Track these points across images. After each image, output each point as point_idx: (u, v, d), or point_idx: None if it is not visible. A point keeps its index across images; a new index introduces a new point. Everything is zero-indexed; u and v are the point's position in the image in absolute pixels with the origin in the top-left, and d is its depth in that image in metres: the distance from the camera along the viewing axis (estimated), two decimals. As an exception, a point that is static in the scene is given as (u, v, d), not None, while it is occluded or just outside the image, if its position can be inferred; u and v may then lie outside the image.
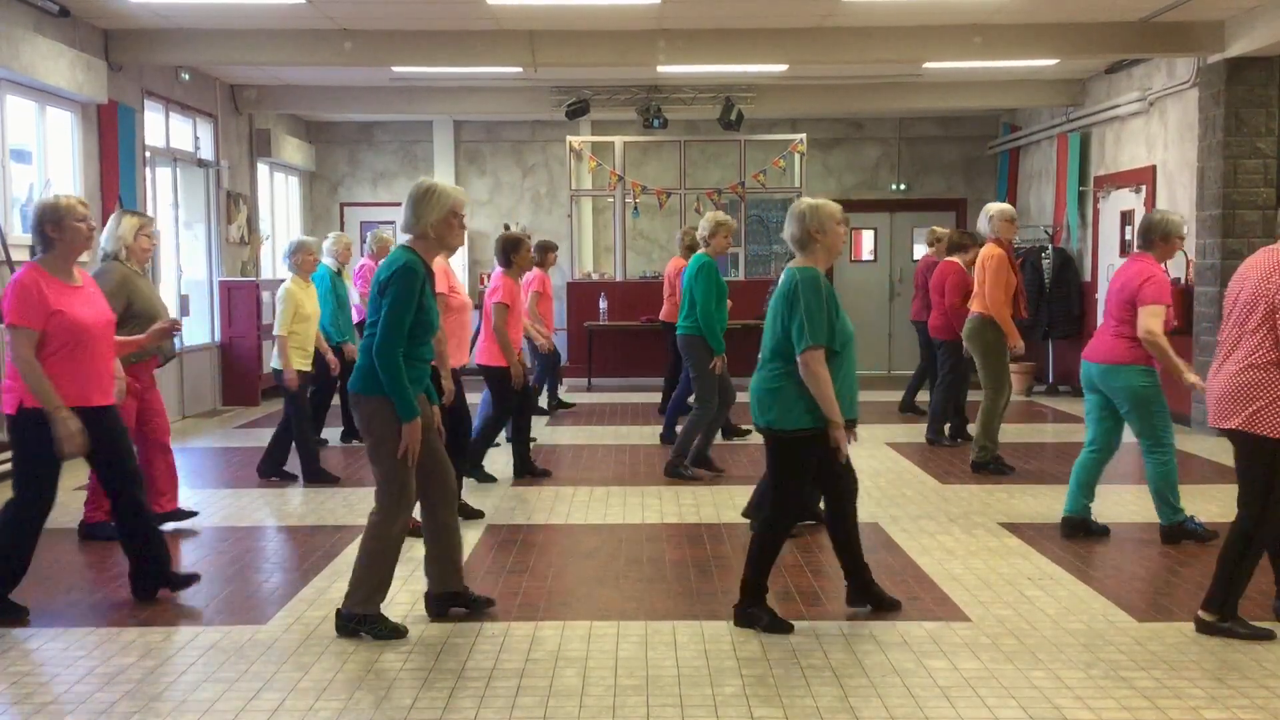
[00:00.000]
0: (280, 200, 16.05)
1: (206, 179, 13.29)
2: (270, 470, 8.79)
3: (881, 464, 9.44)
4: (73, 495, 8.00)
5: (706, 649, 4.98)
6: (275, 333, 8.53)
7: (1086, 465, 6.91)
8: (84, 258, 5.77)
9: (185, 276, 12.95)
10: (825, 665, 4.78)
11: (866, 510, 7.72)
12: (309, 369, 8.72)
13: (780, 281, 5.28)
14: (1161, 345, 6.39)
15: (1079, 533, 6.89)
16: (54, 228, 5.40)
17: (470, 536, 7.02)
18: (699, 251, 8.74)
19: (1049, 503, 7.77)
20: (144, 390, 6.94)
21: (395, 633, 5.14)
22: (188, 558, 6.63)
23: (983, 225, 9.04)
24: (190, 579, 5.85)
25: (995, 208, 9.00)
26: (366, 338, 5.04)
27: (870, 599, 5.48)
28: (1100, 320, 7.11)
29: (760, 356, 5.34)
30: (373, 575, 5.15)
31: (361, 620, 5.14)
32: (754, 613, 5.24)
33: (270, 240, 15.37)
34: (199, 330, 13.11)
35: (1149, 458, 6.68)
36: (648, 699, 4.44)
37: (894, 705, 4.36)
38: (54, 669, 4.80)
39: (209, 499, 8.24)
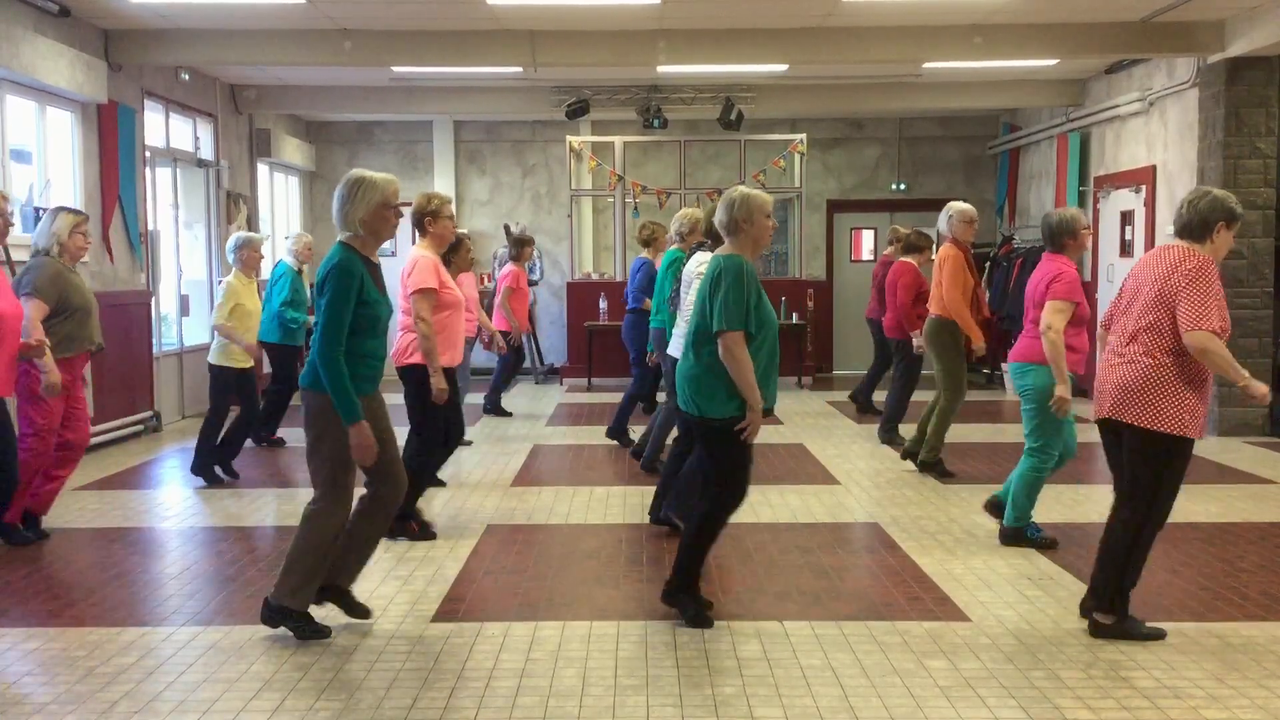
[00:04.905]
0: (280, 200, 16.05)
1: (206, 179, 13.29)
2: (204, 469, 8.79)
3: (881, 464, 9.44)
4: (74, 495, 8.01)
5: (706, 649, 4.98)
6: (212, 323, 8.64)
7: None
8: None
9: (185, 276, 12.94)
10: (825, 665, 4.79)
11: (866, 510, 7.74)
12: (248, 366, 8.79)
13: (707, 269, 5.32)
14: (1056, 343, 6.33)
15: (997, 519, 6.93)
16: None
17: (470, 537, 7.03)
18: (672, 247, 8.50)
19: (1048, 503, 7.76)
20: (69, 383, 6.84)
21: (319, 634, 5.11)
22: (189, 558, 6.64)
23: (942, 225, 8.78)
24: None
25: (957, 207, 8.73)
26: (316, 335, 5.03)
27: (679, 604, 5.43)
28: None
29: (685, 344, 5.37)
30: (302, 567, 5.07)
31: (287, 614, 5.10)
32: (684, 599, 5.34)
33: (270, 240, 15.36)
34: (199, 330, 13.10)
35: (1028, 458, 6.64)
36: (648, 699, 4.44)
37: (894, 705, 4.37)
38: (54, 669, 4.80)
39: (209, 499, 8.24)
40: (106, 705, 4.40)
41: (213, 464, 8.76)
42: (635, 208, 16.15)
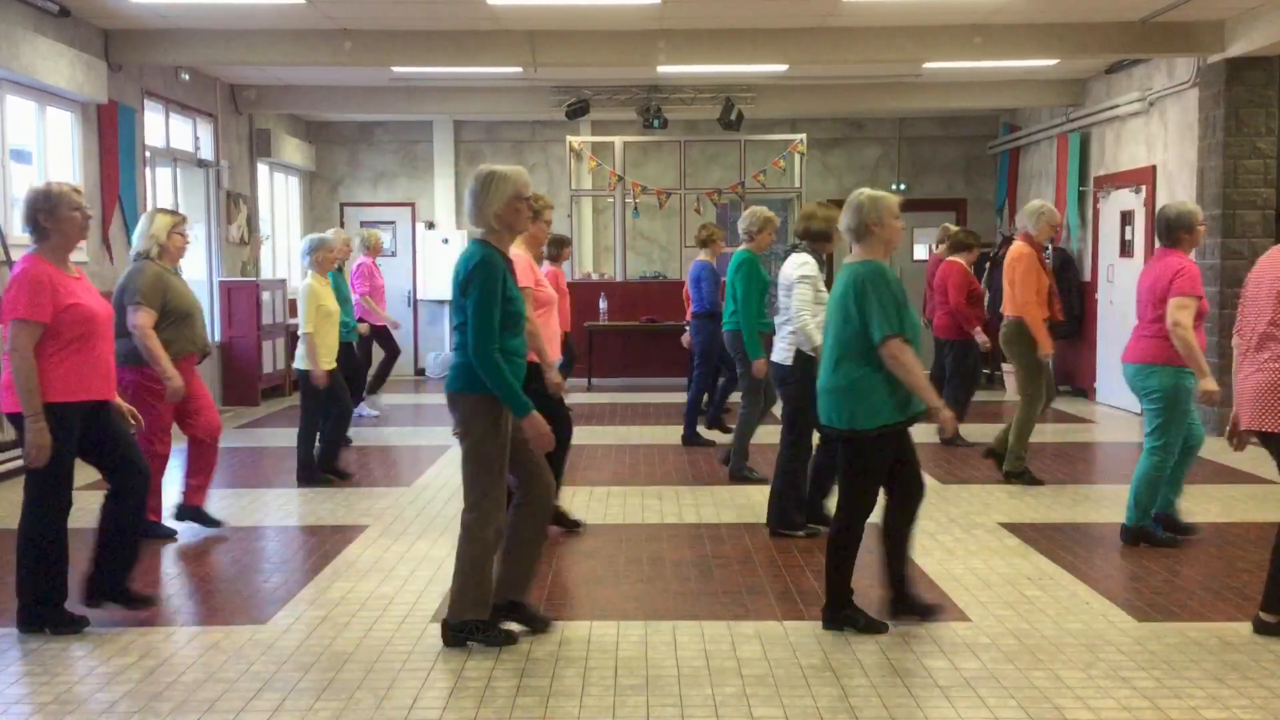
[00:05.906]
0: (280, 200, 16.05)
1: (206, 179, 13.30)
2: (311, 476, 8.72)
3: (881, 464, 9.41)
4: (75, 495, 7.99)
5: (706, 649, 4.98)
6: (301, 331, 8.42)
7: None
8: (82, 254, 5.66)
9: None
10: (825, 665, 4.78)
11: (866, 510, 7.73)
12: (333, 366, 8.69)
13: (841, 278, 5.18)
14: (1188, 339, 6.16)
15: (1174, 529, 6.70)
16: (47, 217, 5.13)
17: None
18: (741, 247, 8.26)
19: (1049, 503, 7.77)
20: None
21: (509, 639, 5.01)
22: (189, 558, 6.64)
23: (1026, 221, 8.41)
24: (148, 599, 5.55)
25: (1049, 208, 8.43)
26: (458, 336, 4.87)
27: (908, 608, 5.34)
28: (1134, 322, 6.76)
29: (824, 358, 5.26)
30: (474, 579, 4.96)
31: (474, 628, 4.97)
32: (849, 614, 5.21)
33: (270, 240, 15.37)
34: (199, 330, 13.11)
35: (1149, 455, 6.52)
36: (648, 699, 4.44)
37: (894, 705, 4.36)
38: (54, 669, 4.80)
39: (209, 499, 8.22)
40: (106, 705, 4.40)
41: (332, 463, 8.82)
42: (635, 208, 16.16)
